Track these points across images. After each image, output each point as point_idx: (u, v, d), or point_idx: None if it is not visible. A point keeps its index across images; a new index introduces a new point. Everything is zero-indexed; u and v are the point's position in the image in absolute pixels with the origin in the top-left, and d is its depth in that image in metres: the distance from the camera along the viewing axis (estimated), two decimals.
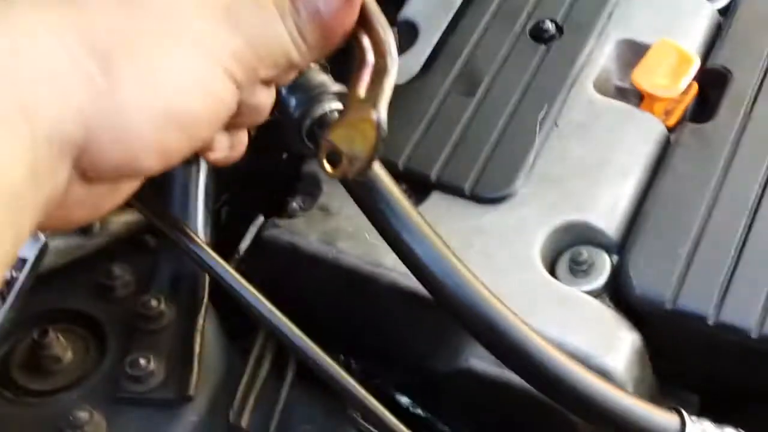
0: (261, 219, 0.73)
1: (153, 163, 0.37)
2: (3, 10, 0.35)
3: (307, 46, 0.41)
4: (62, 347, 0.52)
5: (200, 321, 0.53)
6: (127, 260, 0.56)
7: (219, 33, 0.37)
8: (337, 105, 0.49)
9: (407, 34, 0.69)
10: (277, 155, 0.72)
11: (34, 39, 0.34)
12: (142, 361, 0.50)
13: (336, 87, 0.50)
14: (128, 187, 0.39)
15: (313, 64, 0.50)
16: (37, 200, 0.34)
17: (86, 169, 0.36)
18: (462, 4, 0.68)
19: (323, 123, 0.48)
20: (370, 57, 0.43)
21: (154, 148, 0.36)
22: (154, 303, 0.53)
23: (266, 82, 0.41)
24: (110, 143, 0.35)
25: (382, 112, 0.42)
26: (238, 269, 0.52)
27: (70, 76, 0.34)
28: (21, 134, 0.33)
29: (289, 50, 0.40)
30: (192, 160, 0.44)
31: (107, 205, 0.39)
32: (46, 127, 0.33)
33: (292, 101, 0.48)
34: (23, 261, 0.47)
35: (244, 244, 0.69)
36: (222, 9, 0.38)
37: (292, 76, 0.43)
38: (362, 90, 0.43)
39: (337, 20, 0.41)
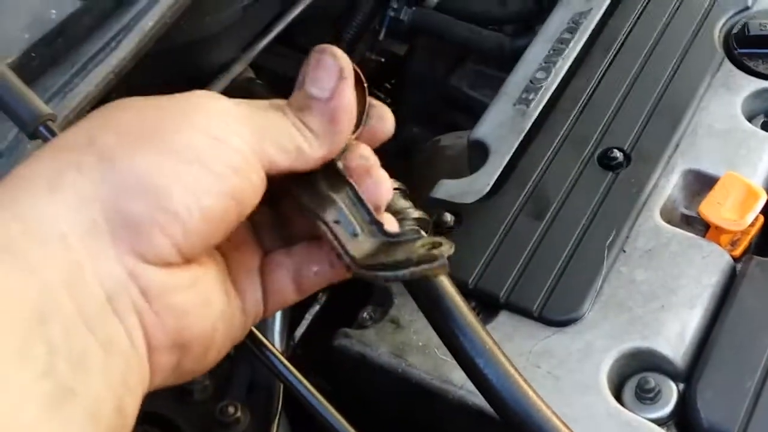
0: (317, 308, 0.76)
1: (190, 206, 0.38)
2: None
3: (314, 134, 0.43)
4: None
5: (274, 429, 0.55)
6: None
7: (217, 109, 0.40)
8: (414, 226, 0.52)
9: (478, 154, 0.72)
10: None
11: (24, 167, 0.37)
12: None
13: (417, 213, 0.53)
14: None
15: (396, 189, 0.53)
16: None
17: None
18: (531, 127, 0.71)
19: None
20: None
21: (181, 189, 0.38)
22: (231, 409, 0.55)
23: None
24: (135, 201, 0.37)
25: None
26: (305, 375, 0.54)
27: (58, 172, 0.36)
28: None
29: (294, 137, 0.42)
30: None
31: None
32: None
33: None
34: None
35: (300, 331, 0.71)
36: (236, 116, 0.41)
37: (309, 167, 0.44)
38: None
39: (337, 102, 0.43)
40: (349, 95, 0.43)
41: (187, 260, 0.39)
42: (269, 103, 0.43)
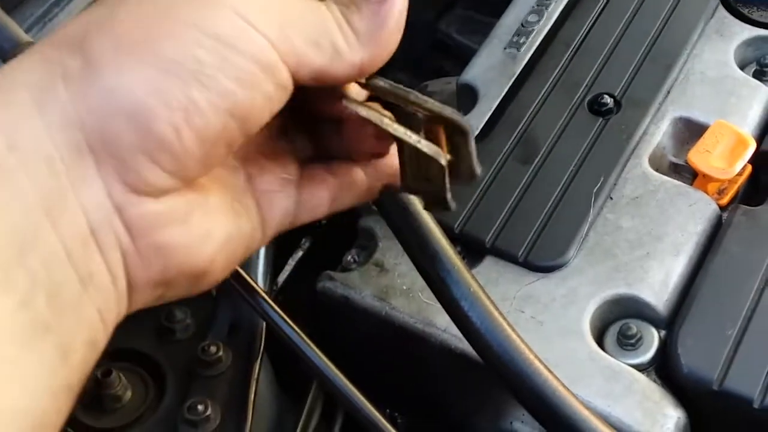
0: (300, 254, 0.75)
1: (180, 126, 0.34)
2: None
3: (356, 35, 0.38)
4: (123, 387, 0.53)
5: (256, 369, 0.55)
6: (188, 304, 0.58)
7: (249, 18, 0.35)
8: None
9: (467, 98, 0.71)
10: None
11: (14, 67, 0.35)
12: (200, 407, 0.52)
13: None
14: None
15: None
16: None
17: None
18: (521, 72, 0.70)
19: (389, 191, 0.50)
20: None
21: (170, 113, 0.34)
22: (213, 349, 0.55)
23: (319, 80, 0.38)
24: (116, 125, 0.34)
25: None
26: (285, 310, 0.53)
27: (44, 80, 0.34)
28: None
29: (333, 33, 0.38)
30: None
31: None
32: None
33: None
34: None
35: (283, 276, 0.71)
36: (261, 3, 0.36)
37: (345, 72, 0.39)
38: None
39: (386, 5, 0.39)
40: (402, 4, 0.39)
41: (185, 185, 0.36)
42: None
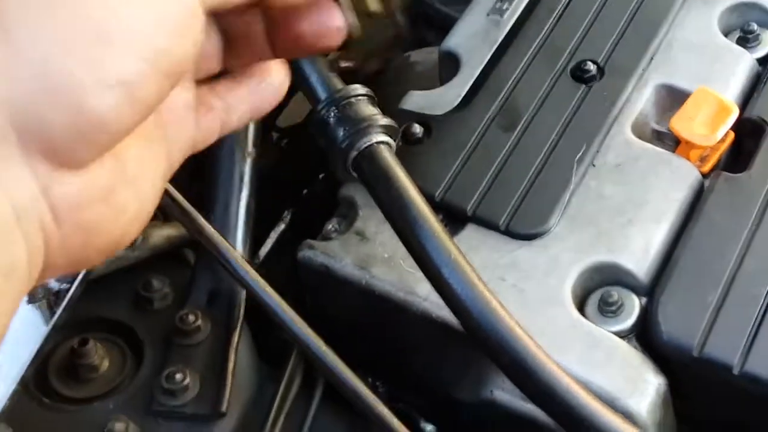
0: (282, 227, 0.75)
1: (116, 105, 0.31)
2: None
3: None
4: (100, 356, 0.53)
5: (235, 338, 0.55)
6: (165, 273, 0.58)
7: None
8: (384, 138, 0.51)
9: (449, 66, 0.70)
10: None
11: None
12: (178, 376, 0.51)
13: (384, 120, 0.51)
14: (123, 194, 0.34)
15: (362, 96, 0.52)
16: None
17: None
18: (504, 39, 0.69)
19: (369, 157, 0.49)
20: None
21: (106, 90, 0.31)
22: (191, 318, 0.54)
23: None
24: (47, 105, 0.30)
25: None
26: (265, 278, 0.53)
27: None
28: None
29: None
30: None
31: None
32: None
33: (340, 132, 0.49)
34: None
35: (264, 249, 0.70)
36: None
37: None
38: None
39: None
40: None
41: (108, 153, 0.33)
42: None
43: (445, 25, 0.86)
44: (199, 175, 0.61)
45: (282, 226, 0.74)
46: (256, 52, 0.43)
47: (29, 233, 0.32)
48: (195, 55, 0.34)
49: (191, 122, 0.40)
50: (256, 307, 0.53)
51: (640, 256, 0.58)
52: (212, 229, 0.54)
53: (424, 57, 0.82)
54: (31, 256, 0.32)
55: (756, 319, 0.55)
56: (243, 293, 0.57)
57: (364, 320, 0.62)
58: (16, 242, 0.31)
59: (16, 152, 0.31)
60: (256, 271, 0.54)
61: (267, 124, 0.76)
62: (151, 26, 0.32)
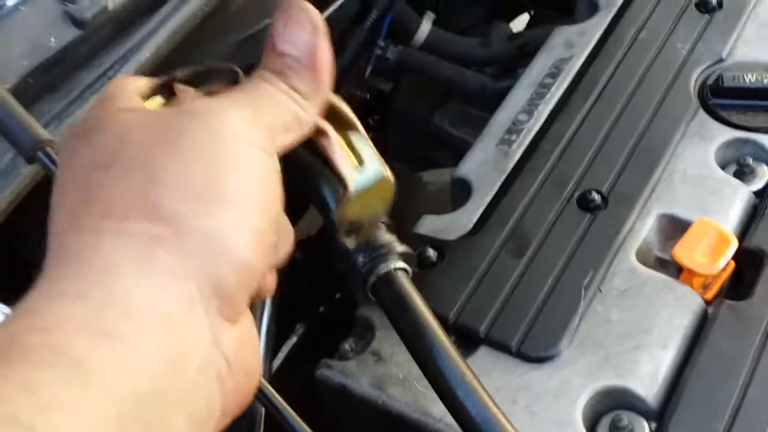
0: (294, 339, 0.76)
1: (257, 251, 0.38)
2: (53, 249, 0.37)
3: (303, 95, 0.42)
4: None
5: None
6: None
7: (225, 116, 0.39)
8: (402, 264, 0.54)
9: (461, 192, 0.74)
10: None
11: (93, 248, 0.36)
12: None
13: (401, 248, 0.54)
14: None
15: (381, 224, 0.55)
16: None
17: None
18: (513, 168, 0.73)
19: (387, 282, 0.52)
20: (332, 133, 0.45)
21: (250, 241, 0.38)
22: None
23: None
24: (221, 269, 0.37)
25: (385, 166, 0.46)
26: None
27: (143, 253, 0.36)
28: None
29: (291, 108, 0.41)
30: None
31: None
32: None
33: (359, 258, 0.52)
34: None
35: (276, 362, 0.72)
36: (211, 104, 0.40)
37: (308, 130, 0.43)
38: (344, 166, 0.45)
39: (315, 56, 0.42)
40: (327, 48, 0.42)
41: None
42: (256, 80, 0.42)
43: (456, 147, 0.91)
44: None
45: (294, 339, 0.75)
46: None
47: (208, 381, 0.36)
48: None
49: None
50: (276, 424, 0.54)
51: (648, 381, 0.60)
52: None
53: (436, 178, 0.86)
54: (209, 404, 0.36)
55: None
56: (262, 410, 0.58)
57: None
58: (199, 392, 0.36)
59: (203, 317, 0.36)
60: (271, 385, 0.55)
61: None
62: (257, 189, 0.39)
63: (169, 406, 0.34)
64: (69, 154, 0.40)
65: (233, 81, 0.45)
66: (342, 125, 0.46)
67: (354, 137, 0.47)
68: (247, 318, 0.39)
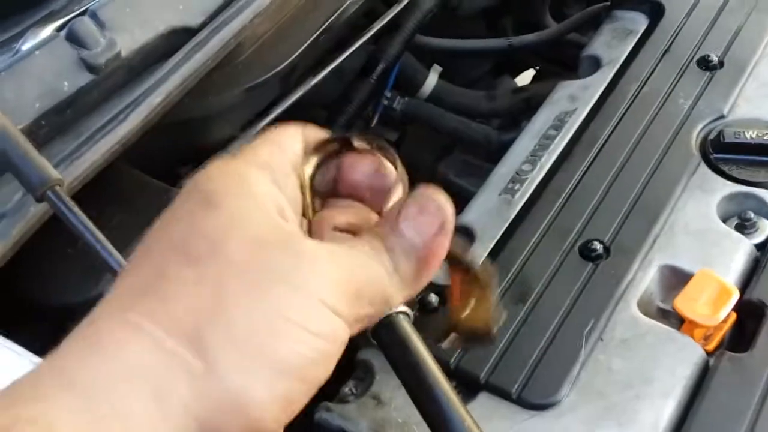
0: None
1: (279, 418, 0.36)
2: (86, 325, 0.35)
3: (401, 278, 0.40)
4: None
5: None
6: None
7: (315, 269, 0.37)
8: (403, 308, 0.54)
9: (464, 239, 0.74)
10: None
11: (122, 346, 0.34)
12: None
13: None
14: None
15: None
16: None
17: None
18: (516, 217, 0.74)
19: (388, 326, 0.52)
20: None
21: (275, 407, 0.36)
22: None
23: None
24: (230, 421, 0.35)
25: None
26: None
27: (166, 375, 0.34)
28: None
29: (386, 288, 0.40)
30: None
31: None
32: None
33: None
34: None
35: None
36: (312, 251, 0.38)
37: (382, 313, 0.42)
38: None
39: (431, 251, 0.41)
40: (445, 248, 0.41)
41: None
42: (366, 246, 0.40)
43: (460, 196, 0.91)
44: None
45: None
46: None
47: None
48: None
49: None
50: None
51: (649, 430, 0.60)
52: None
53: None
54: None
55: None
56: None
57: None
58: None
59: None
60: None
61: None
62: (312, 362, 0.36)
63: None
64: (173, 212, 0.38)
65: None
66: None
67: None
68: None
